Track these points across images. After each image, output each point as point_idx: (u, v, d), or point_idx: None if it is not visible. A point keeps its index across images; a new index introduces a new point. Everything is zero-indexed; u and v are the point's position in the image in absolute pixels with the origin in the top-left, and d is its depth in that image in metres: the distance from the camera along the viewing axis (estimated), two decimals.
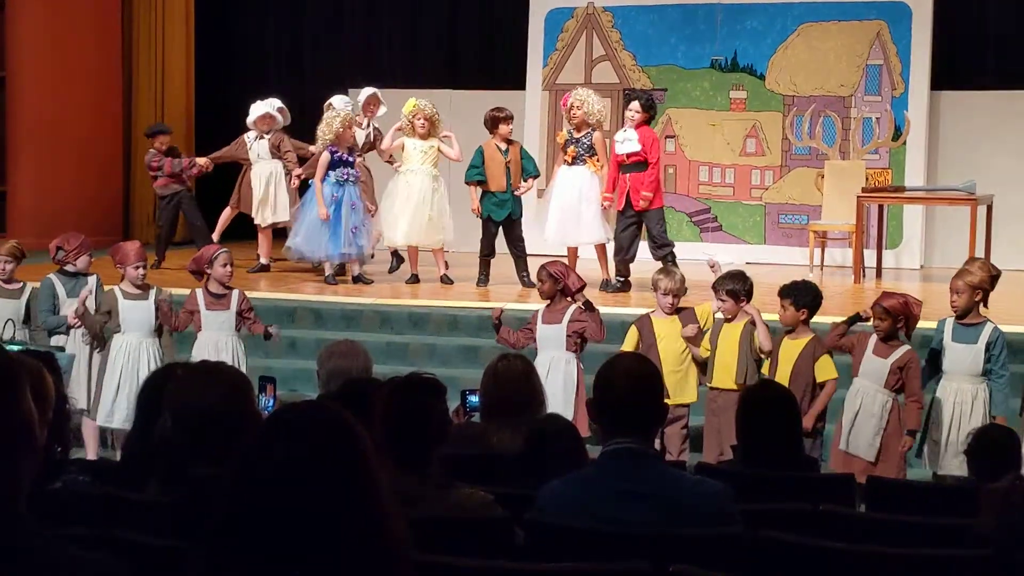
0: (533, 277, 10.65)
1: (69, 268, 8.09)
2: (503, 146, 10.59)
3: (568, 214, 10.56)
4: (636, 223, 10.37)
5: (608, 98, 11.16)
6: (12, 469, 2.02)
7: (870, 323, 6.98)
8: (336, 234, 10.46)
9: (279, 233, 11.89)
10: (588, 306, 7.54)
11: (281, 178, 11.65)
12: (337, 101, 11.47)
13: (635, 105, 10.32)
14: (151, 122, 14.89)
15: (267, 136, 11.64)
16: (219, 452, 3.06)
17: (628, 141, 10.26)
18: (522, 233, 10.79)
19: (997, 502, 3.35)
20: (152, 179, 12.24)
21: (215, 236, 11.63)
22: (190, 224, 12.23)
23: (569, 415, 7.03)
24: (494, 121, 10.61)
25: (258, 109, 11.68)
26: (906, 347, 6.82)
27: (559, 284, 7.58)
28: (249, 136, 11.77)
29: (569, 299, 7.61)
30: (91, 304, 7.89)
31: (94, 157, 14.09)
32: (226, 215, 12.05)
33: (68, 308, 7.97)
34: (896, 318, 6.77)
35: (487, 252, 10.75)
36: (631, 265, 10.40)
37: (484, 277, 10.76)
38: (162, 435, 3.51)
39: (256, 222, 11.80)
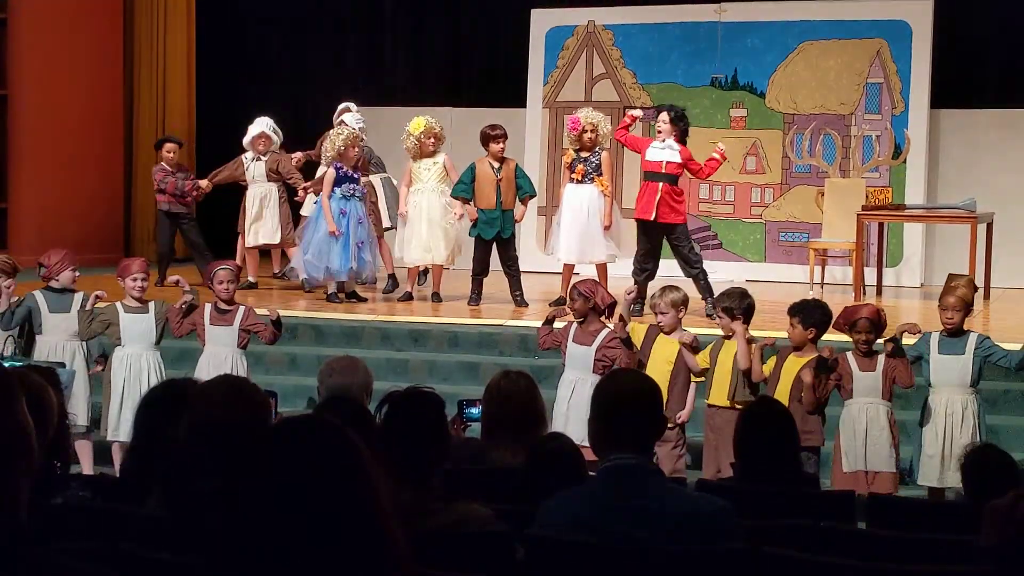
0: (527, 296, 10.70)
1: (54, 284, 8.08)
2: (496, 164, 10.57)
3: (577, 232, 10.56)
4: (657, 240, 10.21)
5: (608, 116, 11.16)
6: (10, 481, 2.02)
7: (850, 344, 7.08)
8: (345, 248, 10.50)
9: (260, 253, 12.16)
10: (627, 343, 7.46)
11: (275, 200, 11.70)
12: (348, 118, 11.54)
13: (663, 116, 10.22)
14: (153, 138, 14.94)
15: (264, 158, 11.68)
16: (234, 468, 3.05)
17: (670, 150, 10.14)
18: (515, 252, 10.78)
19: (1000, 518, 3.34)
20: (157, 192, 12.19)
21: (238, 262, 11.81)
22: (190, 244, 12.24)
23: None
24: (485, 138, 10.60)
25: (254, 129, 11.75)
26: (882, 352, 6.93)
27: (590, 302, 7.55)
28: (246, 156, 11.84)
29: (602, 319, 7.58)
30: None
31: (95, 174, 14.12)
32: (241, 244, 12.13)
33: (52, 324, 7.98)
34: (878, 328, 6.89)
35: (479, 271, 10.71)
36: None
37: (476, 296, 10.71)
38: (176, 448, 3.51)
39: (248, 243, 11.88)
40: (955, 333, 6.98)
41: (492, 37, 15.10)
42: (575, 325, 7.61)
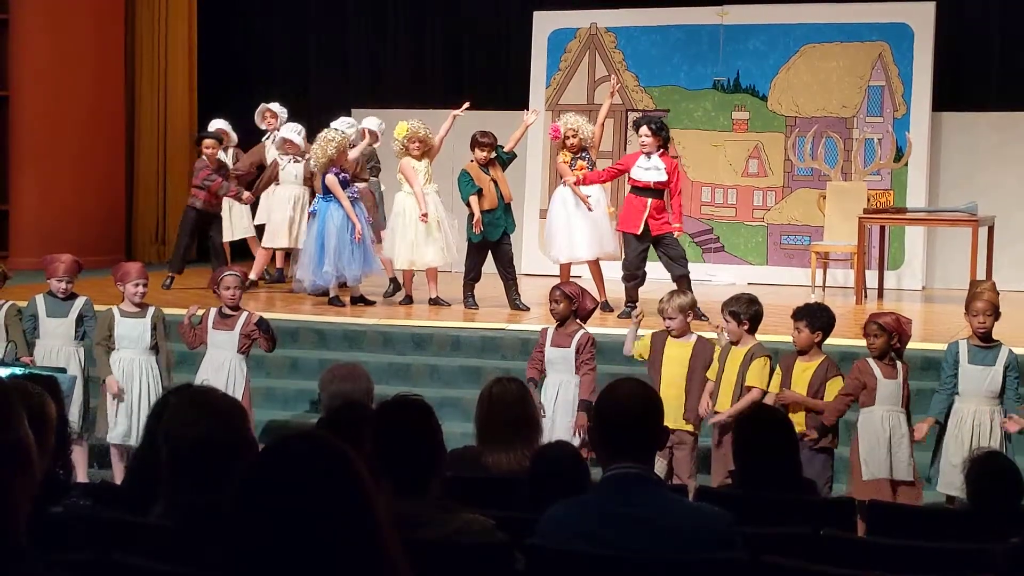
0: (528, 299, 10.67)
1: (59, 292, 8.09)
2: (484, 165, 10.58)
3: (598, 225, 10.64)
4: (647, 249, 10.20)
5: (610, 118, 11.18)
6: (10, 494, 2.02)
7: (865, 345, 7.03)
8: (340, 254, 10.49)
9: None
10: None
11: (304, 205, 11.63)
12: (341, 123, 11.50)
13: (644, 130, 10.15)
14: (153, 141, 14.98)
15: (301, 160, 11.65)
16: (215, 479, 3.03)
17: (656, 170, 10.06)
18: (512, 253, 10.77)
19: None
20: (193, 187, 11.93)
21: (254, 275, 11.81)
22: (212, 246, 12.08)
23: (577, 438, 7.02)
24: (474, 143, 10.59)
25: (284, 132, 11.81)
26: (901, 363, 6.91)
27: (573, 304, 7.54)
28: (281, 158, 11.85)
29: (579, 321, 7.57)
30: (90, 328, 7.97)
31: (96, 175, 14.12)
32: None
33: (49, 329, 7.98)
34: (891, 335, 6.82)
35: (474, 276, 10.67)
36: (640, 289, 10.21)
37: (472, 300, 10.68)
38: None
39: (279, 244, 11.89)
40: (985, 340, 6.95)
41: (494, 39, 15.10)
42: (552, 329, 7.57)
